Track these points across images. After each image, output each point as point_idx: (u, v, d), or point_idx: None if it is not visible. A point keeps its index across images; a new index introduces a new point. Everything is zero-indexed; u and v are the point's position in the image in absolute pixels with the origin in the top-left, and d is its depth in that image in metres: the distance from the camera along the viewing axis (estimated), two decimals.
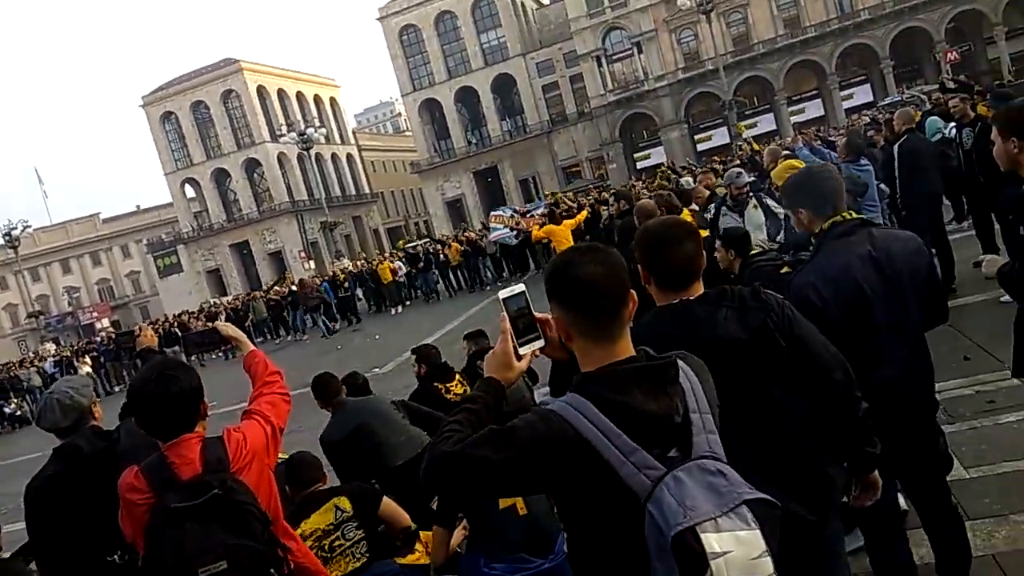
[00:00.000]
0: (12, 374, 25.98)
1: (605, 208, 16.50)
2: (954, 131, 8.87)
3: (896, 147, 7.90)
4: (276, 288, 28.62)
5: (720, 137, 50.72)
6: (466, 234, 26.16)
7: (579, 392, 1.60)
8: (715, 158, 27.35)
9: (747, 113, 52.29)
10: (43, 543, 2.84)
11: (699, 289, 2.14)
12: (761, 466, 2.03)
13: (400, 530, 3.59)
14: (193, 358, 24.07)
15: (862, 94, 50.80)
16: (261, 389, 2.62)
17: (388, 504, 3.55)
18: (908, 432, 2.71)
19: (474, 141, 63.67)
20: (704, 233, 6.29)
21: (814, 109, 52.01)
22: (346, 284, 24.33)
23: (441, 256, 23.44)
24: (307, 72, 72.70)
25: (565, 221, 14.50)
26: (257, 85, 64.13)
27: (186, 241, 66.56)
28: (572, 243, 13.71)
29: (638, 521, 1.46)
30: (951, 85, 14.85)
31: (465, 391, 5.09)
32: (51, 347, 32.96)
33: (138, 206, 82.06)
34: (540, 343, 1.77)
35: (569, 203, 19.69)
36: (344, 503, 3.45)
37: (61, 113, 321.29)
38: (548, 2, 65.43)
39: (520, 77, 60.58)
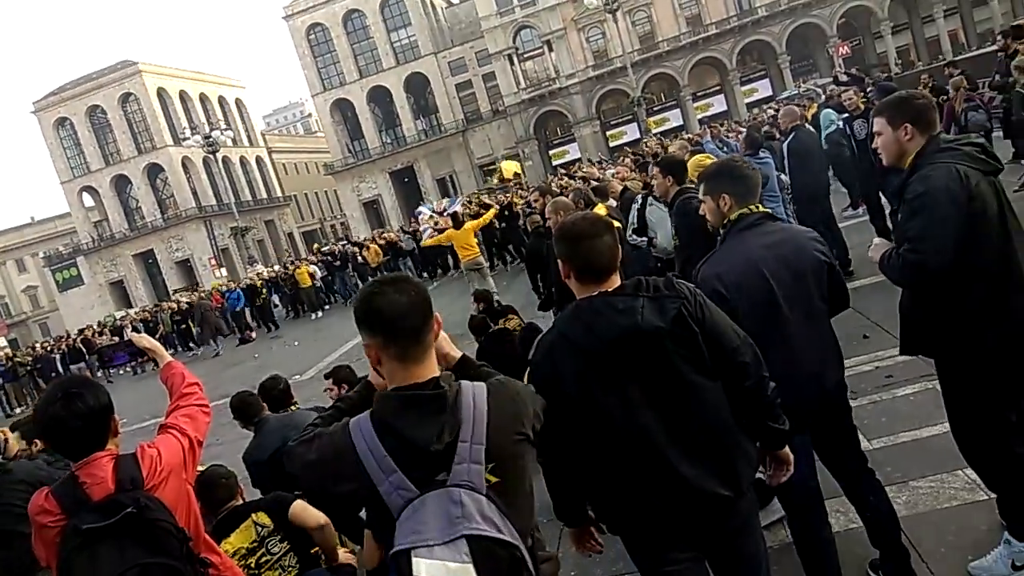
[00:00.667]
0: None
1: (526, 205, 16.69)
2: (844, 123, 9.37)
3: (784, 144, 8.21)
4: (179, 298, 27.35)
5: (632, 133, 51.88)
6: (384, 235, 25.89)
7: (373, 409, 1.77)
8: (627, 148, 27.96)
9: (655, 109, 53.69)
10: None
11: (617, 281, 2.22)
12: (681, 446, 2.13)
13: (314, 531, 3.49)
14: (100, 373, 23.03)
15: (762, 89, 52.93)
16: (178, 402, 2.54)
17: (297, 508, 3.44)
18: (823, 412, 2.85)
19: (389, 141, 62.95)
20: (617, 225, 6.46)
21: (718, 104, 53.90)
22: (263, 292, 23.65)
23: (359, 258, 23.12)
24: (210, 73, 70.20)
25: (468, 223, 14.46)
26: (157, 87, 61.48)
27: (86, 252, 63.27)
28: (474, 245, 13.83)
29: (393, 532, 1.63)
30: (844, 78, 15.68)
31: None
32: None
33: (32, 218, 77.88)
34: None
35: (487, 202, 19.78)
36: (263, 518, 3.36)
37: None
38: (458, 1, 65.30)
39: (433, 76, 60.26)
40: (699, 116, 50.53)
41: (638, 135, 46.84)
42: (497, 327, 6.11)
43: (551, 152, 57.46)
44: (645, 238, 6.62)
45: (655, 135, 30.93)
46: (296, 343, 18.12)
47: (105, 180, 62.80)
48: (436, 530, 1.60)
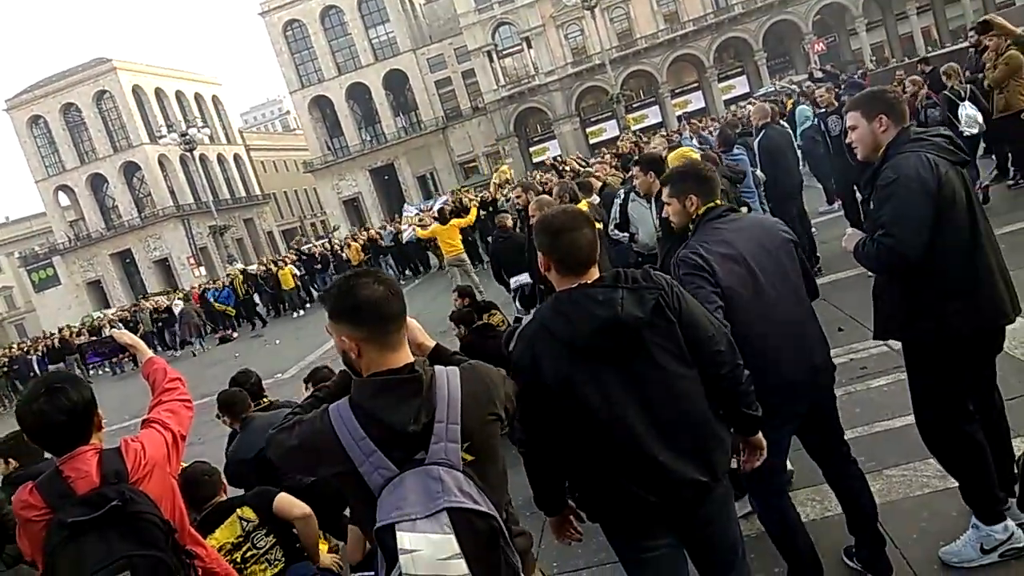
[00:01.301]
0: None
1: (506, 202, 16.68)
2: (818, 119, 9.47)
3: (756, 142, 8.30)
4: (158, 299, 26.99)
5: (611, 130, 51.98)
6: (366, 232, 25.80)
7: (351, 395, 1.85)
8: (603, 149, 28.03)
9: (634, 106, 53.91)
10: None
11: (596, 274, 2.27)
12: (659, 433, 2.18)
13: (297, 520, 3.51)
14: (79, 371, 22.75)
15: (739, 85, 53.28)
16: (161, 396, 2.55)
17: (281, 500, 3.47)
18: (814, 391, 2.91)
19: (368, 138, 62.62)
20: (599, 225, 6.52)
21: (696, 101, 54.15)
22: (245, 289, 23.53)
23: (344, 256, 23.09)
24: (186, 70, 69.42)
25: (454, 220, 14.51)
26: (133, 85, 60.70)
27: (62, 252, 62.39)
28: (458, 241, 13.86)
29: (375, 510, 1.72)
30: (819, 75, 15.87)
31: None
32: None
33: (7, 217, 76.69)
34: None
35: (471, 197, 19.89)
36: (248, 513, 3.38)
37: None
38: None
39: (412, 73, 60.02)
40: (677, 113, 50.75)
41: (617, 132, 47.00)
42: (481, 322, 6.14)
43: (531, 149, 57.48)
44: (627, 234, 6.68)
45: (634, 131, 31.07)
46: (277, 342, 18.03)
47: (81, 179, 61.96)
48: (418, 504, 1.67)
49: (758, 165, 8.39)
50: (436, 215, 16.42)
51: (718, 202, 2.89)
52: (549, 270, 2.30)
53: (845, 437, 4.25)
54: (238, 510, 3.38)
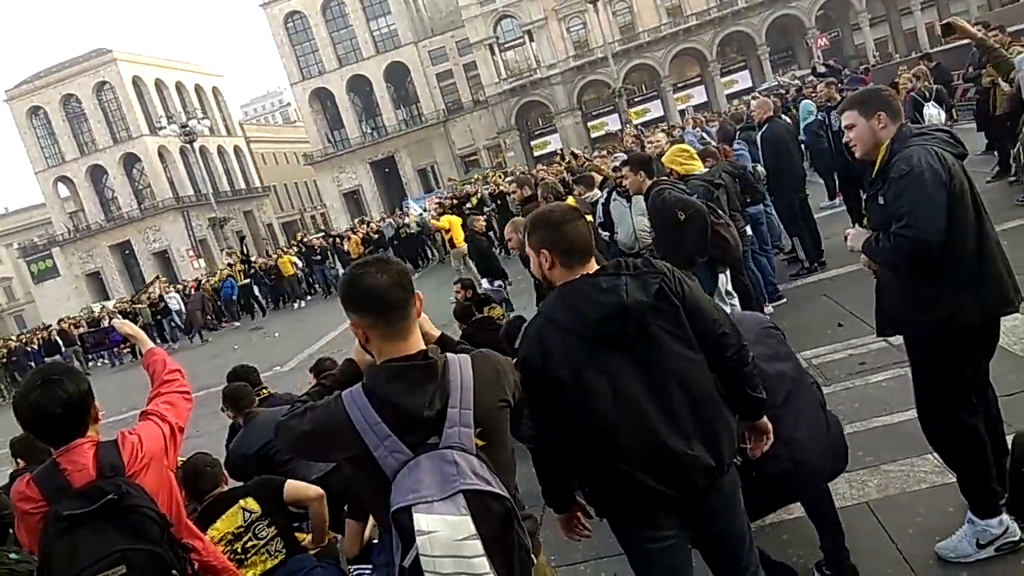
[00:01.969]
0: None
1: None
2: (823, 114, 9.46)
3: (759, 135, 8.33)
4: (145, 295, 26.90)
5: (613, 123, 51.95)
6: (365, 226, 25.80)
7: (364, 381, 1.89)
8: (612, 144, 27.96)
9: (636, 100, 53.81)
10: None
11: (595, 265, 2.28)
12: (668, 418, 2.18)
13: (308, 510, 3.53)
14: (78, 363, 22.77)
15: (742, 80, 53.17)
16: (159, 388, 2.54)
17: (291, 486, 3.48)
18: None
19: (369, 131, 62.51)
20: (589, 218, 6.55)
21: (698, 95, 54.06)
22: (242, 272, 23.65)
23: (344, 248, 23.14)
24: (187, 61, 69.25)
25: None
26: (133, 76, 60.56)
27: (62, 243, 62.39)
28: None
29: (390, 494, 1.75)
30: (822, 69, 15.81)
31: None
32: None
33: (6, 208, 76.71)
34: None
35: (468, 191, 19.89)
36: (251, 504, 3.37)
37: None
38: None
39: (413, 65, 59.88)
40: (680, 107, 50.67)
41: (620, 126, 46.95)
42: (481, 315, 6.15)
43: (532, 143, 57.40)
44: (607, 233, 6.70)
45: (635, 125, 31.00)
46: (276, 334, 18.04)
47: (80, 170, 61.89)
48: (434, 487, 1.71)
49: (760, 160, 8.40)
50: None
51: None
52: (553, 267, 2.30)
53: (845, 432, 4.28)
54: (241, 500, 3.37)
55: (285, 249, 27.53)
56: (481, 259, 10.17)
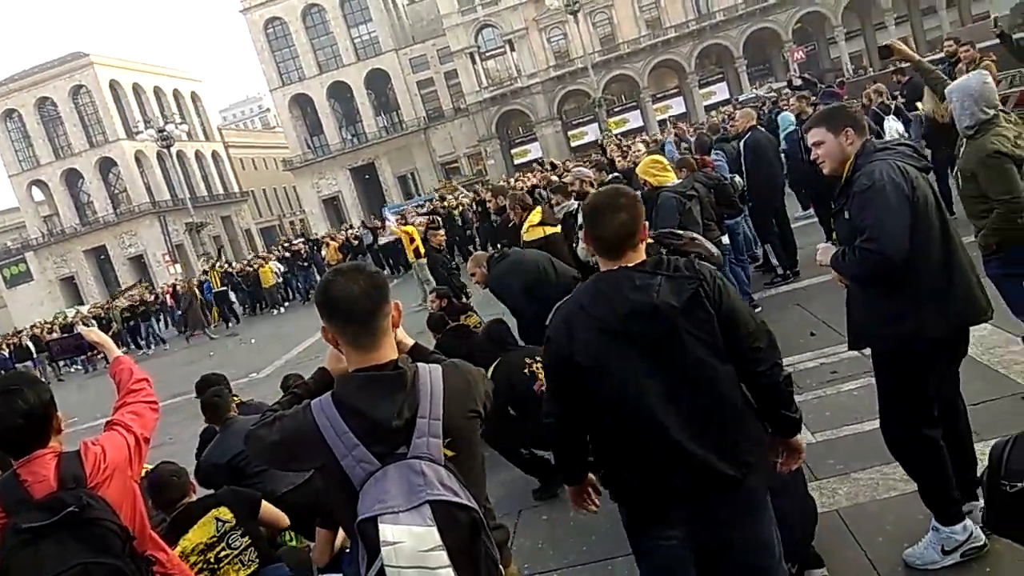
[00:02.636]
0: None
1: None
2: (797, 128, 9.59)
3: (741, 143, 8.48)
4: (130, 293, 26.69)
5: (592, 133, 52.15)
6: (347, 232, 25.72)
7: (334, 391, 1.88)
8: (580, 155, 28.06)
9: (616, 110, 54.12)
10: None
11: (639, 257, 2.25)
12: (688, 423, 2.16)
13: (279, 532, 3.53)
14: (50, 370, 22.42)
15: (720, 92, 53.70)
16: (125, 398, 2.50)
17: (266, 508, 3.48)
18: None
19: (349, 137, 62.30)
20: (556, 230, 6.57)
21: (677, 106, 54.55)
22: (221, 279, 23.45)
23: (322, 255, 23.06)
24: (165, 66, 68.65)
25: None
26: (110, 80, 59.94)
27: (35, 248, 61.46)
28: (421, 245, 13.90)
29: (355, 504, 1.74)
30: (797, 82, 16.01)
31: None
32: None
33: None
34: None
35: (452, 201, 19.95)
36: (224, 513, 3.33)
37: None
38: None
39: (394, 73, 59.82)
40: (659, 118, 51.08)
41: (599, 135, 47.21)
42: (455, 324, 6.13)
43: (513, 151, 57.53)
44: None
45: (614, 135, 31.19)
46: (253, 340, 17.88)
47: (55, 174, 61.06)
48: (400, 497, 1.69)
49: (740, 169, 8.49)
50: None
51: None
52: (595, 253, 2.33)
53: (813, 440, 4.31)
54: (213, 510, 3.33)
55: (266, 256, 27.31)
56: (436, 274, 10.27)
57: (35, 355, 22.54)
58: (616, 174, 11.92)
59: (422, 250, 13.73)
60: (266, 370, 12.85)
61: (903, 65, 10.76)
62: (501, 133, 57.31)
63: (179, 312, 23.14)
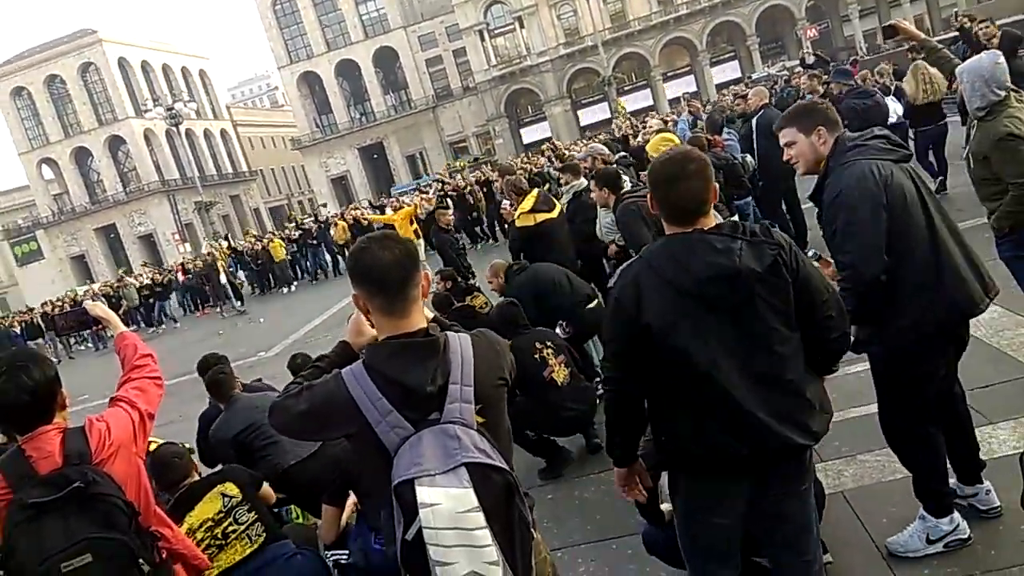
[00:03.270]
0: None
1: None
2: None
3: (754, 121, 8.37)
4: (147, 271, 26.86)
5: (601, 112, 51.88)
6: (354, 212, 25.70)
7: (364, 358, 1.90)
8: (590, 135, 27.85)
9: (626, 89, 53.70)
10: None
11: (711, 221, 2.20)
12: (759, 390, 2.14)
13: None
14: (61, 347, 22.63)
15: (731, 70, 53.14)
16: (130, 374, 2.51)
17: (266, 489, 3.51)
18: None
19: (357, 116, 62.08)
20: (551, 215, 6.51)
21: (688, 85, 53.94)
22: (229, 262, 23.54)
23: (331, 235, 23.07)
24: (173, 43, 68.46)
25: (404, 210, 15.02)
26: (118, 57, 59.84)
27: (46, 226, 61.79)
28: (409, 231, 13.91)
29: (391, 469, 1.76)
30: (810, 61, 15.79)
31: None
32: None
33: None
34: None
35: (457, 184, 20.01)
36: (230, 488, 3.35)
37: None
38: None
39: (403, 50, 59.45)
40: (670, 96, 50.65)
41: (608, 114, 46.85)
42: (461, 304, 6.11)
43: (522, 130, 57.21)
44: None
45: (626, 114, 30.95)
46: (262, 320, 17.96)
47: (65, 152, 61.22)
48: (436, 460, 1.72)
49: (752, 148, 8.42)
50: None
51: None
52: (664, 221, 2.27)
53: None
54: (219, 485, 3.35)
55: (275, 232, 27.39)
56: (444, 255, 10.14)
57: (46, 333, 22.76)
58: (623, 153, 11.86)
59: (420, 232, 13.74)
60: (275, 348, 12.92)
61: (908, 44, 10.64)
62: (510, 112, 56.98)
63: (192, 287, 23.22)
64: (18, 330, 23.27)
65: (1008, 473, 2.91)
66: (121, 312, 21.72)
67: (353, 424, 1.82)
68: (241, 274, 24.39)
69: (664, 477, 2.58)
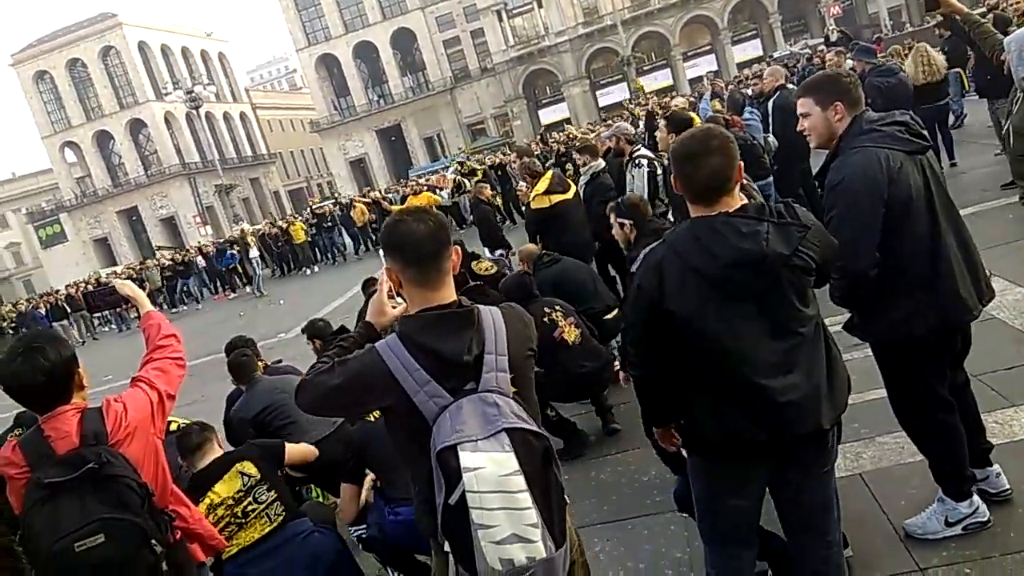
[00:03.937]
0: None
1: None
2: None
3: (770, 103, 8.23)
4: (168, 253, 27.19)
5: (621, 93, 51.28)
6: (371, 194, 25.76)
7: (399, 330, 1.93)
8: (609, 116, 27.59)
9: (645, 69, 53.04)
10: None
11: (735, 203, 2.15)
12: (778, 370, 2.12)
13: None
14: (84, 328, 22.99)
15: (752, 48, 52.28)
16: (152, 354, 2.54)
17: (291, 449, 3.54)
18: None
19: (375, 98, 61.97)
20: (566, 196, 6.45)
21: (708, 64, 53.18)
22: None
23: (352, 216, 23.20)
24: (192, 27, 68.61)
25: (425, 194, 15.20)
26: (138, 41, 60.09)
27: (69, 209, 62.48)
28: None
29: (428, 438, 1.79)
30: (834, 38, 15.55)
31: None
32: None
33: (13, 173, 76.74)
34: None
35: (475, 166, 20.00)
36: (249, 467, 3.38)
37: None
38: None
39: (420, 31, 59.14)
40: (691, 76, 49.98)
41: (628, 95, 46.38)
42: (472, 284, 6.11)
43: (540, 111, 56.81)
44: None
45: (648, 93, 30.65)
46: (282, 302, 18.10)
47: (87, 135, 61.76)
48: (476, 427, 1.76)
49: (771, 127, 8.30)
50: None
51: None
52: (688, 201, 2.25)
53: None
54: (237, 464, 3.38)
55: (295, 216, 27.57)
56: (483, 227, 10.11)
57: (70, 314, 23.08)
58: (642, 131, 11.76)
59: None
60: (295, 330, 13.00)
61: (948, 19, 10.39)
62: (528, 93, 56.56)
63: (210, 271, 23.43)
64: (43, 311, 23.60)
65: None
66: (145, 294, 21.94)
67: (390, 395, 1.84)
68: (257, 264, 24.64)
69: None
